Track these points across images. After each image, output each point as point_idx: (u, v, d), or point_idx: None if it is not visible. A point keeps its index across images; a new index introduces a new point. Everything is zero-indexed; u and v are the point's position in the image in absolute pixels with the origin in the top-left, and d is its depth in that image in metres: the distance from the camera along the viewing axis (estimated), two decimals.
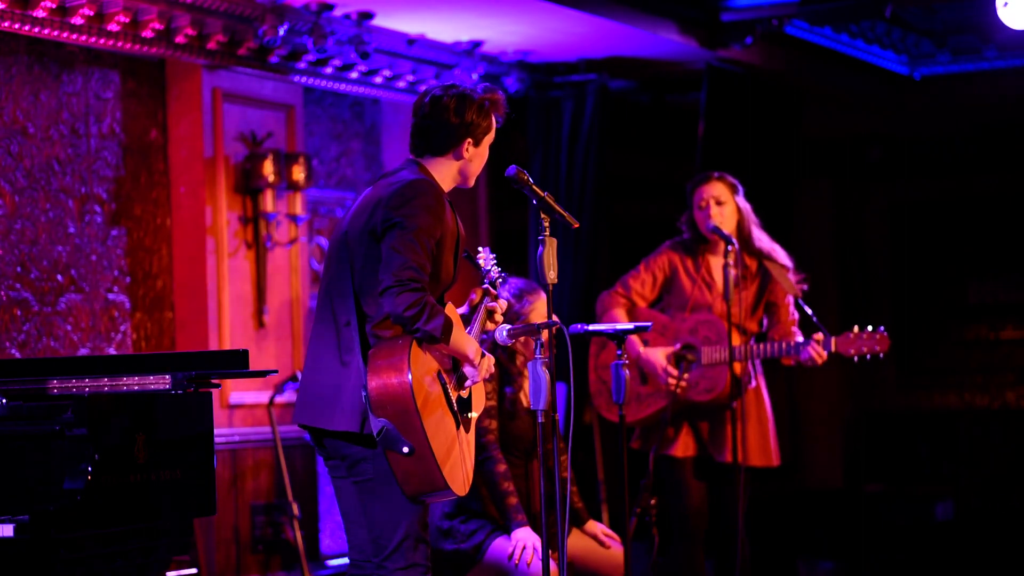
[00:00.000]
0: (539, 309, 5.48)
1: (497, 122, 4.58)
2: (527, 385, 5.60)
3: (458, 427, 4.44)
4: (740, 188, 6.37)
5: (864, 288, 11.63)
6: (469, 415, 4.54)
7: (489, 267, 4.75)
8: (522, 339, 5.38)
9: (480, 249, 4.82)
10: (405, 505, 4.35)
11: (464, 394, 4.51)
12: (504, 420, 5.52)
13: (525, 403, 5.57)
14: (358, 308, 4.36)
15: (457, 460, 4.38)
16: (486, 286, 4.69)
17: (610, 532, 5.67)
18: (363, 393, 4.27)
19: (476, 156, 4.55)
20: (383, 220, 4.32)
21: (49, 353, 6.72)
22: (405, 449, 4.23)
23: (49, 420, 4.32)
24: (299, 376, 7.34)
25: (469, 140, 4.51)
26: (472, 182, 4.60)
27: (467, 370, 4.46)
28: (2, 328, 6.58)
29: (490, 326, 4.64)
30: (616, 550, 5.61)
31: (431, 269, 4.32)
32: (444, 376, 4.43)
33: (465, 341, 4.41)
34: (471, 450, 4.53)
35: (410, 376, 4.23)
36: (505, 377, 5.56)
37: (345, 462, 4.41)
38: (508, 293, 5.51)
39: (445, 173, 4.52)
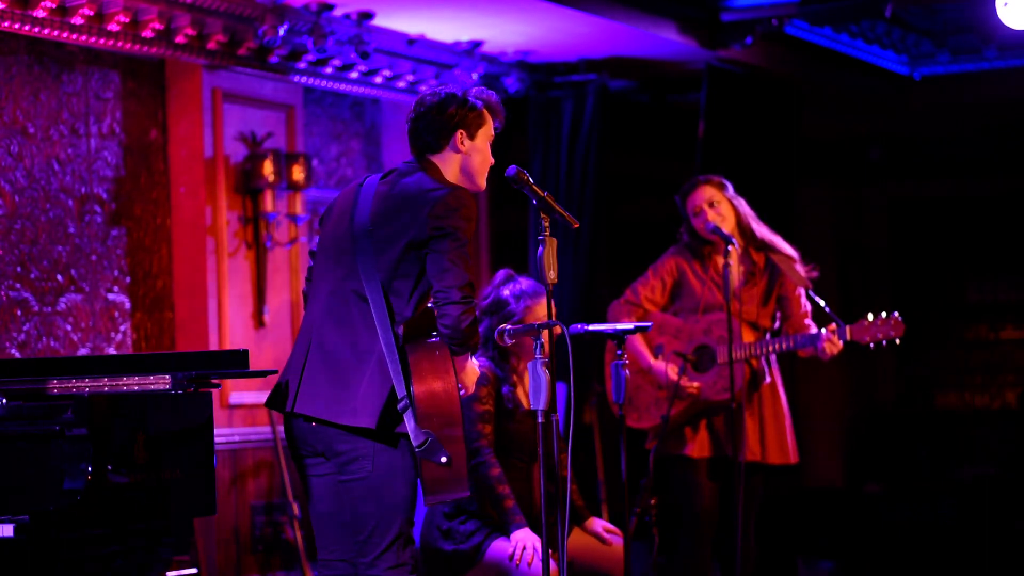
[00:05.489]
0: (537, 313, 5.47)
1: (494, 119, 4.56)
2: (526, 384, 5.63)
3: None
4: (729, 185, 6.34)
5: (864, 288, 11.63)
6: None
7: None
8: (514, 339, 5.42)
9: None
10: (399, 504, 4.34)
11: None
12: (503, 421, 5.51)
13: (525, 404, 5.57)
14: (389, 307, 4.35)
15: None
16: None
17: (611, 527, 5.66)
18: (402, 397, 4.27)
19: (474, 150, 4.52)
20: (431, 228, 4.31)
21: (49, 353, 6.72)
22: (444, 459, 4.26)
23: (49, 420, 4.32)
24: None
25: (461, 132, 4.49)
26: (479, 182, 4.56)
27: (467, 381, 4.49)
28: (2, 328, 6.58)
29: None
30: (617, 546, 5.60)
31: None
32: None
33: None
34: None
35: (457, 384, 4.31)
36: (500, 379, 5.55)
37: (336, 459, 4.39)
38: (508, 291, 5.51)
39: (449, 171, 4.51)
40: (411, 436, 4.26)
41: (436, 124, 4.48)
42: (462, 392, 4.47)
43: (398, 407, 4.27)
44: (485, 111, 4.53)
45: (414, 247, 4.33)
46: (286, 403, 4.45)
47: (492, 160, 4.59)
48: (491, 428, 5.46)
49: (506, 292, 5.50)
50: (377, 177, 4.53)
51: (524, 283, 5.56)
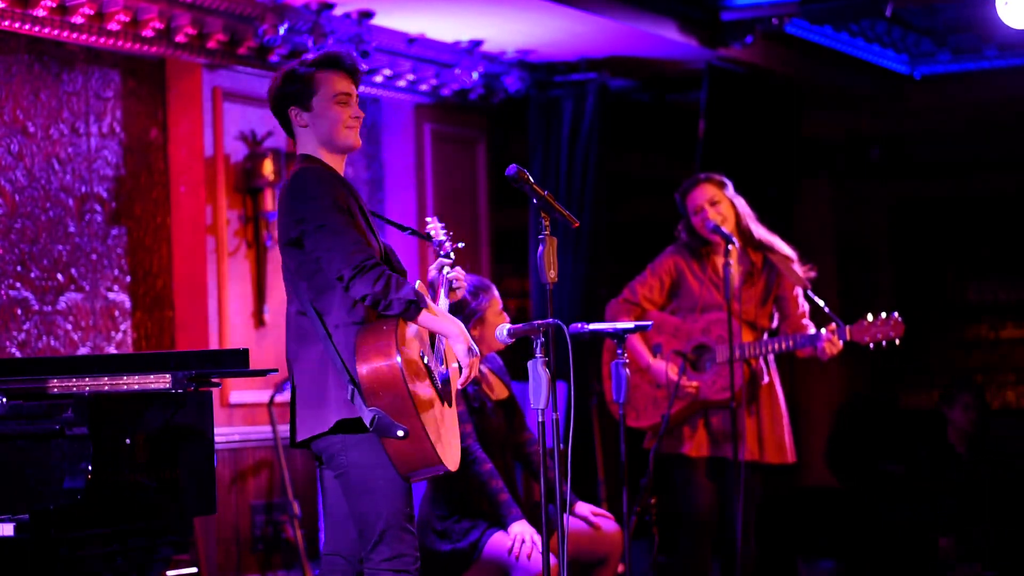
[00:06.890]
0: (495, 307, 5.52)
1: (339, 76, 4.39)
2: (489, 379, 5.65)
3: (442, 403, 4.45)
4: (729, 184, 6.34)
5: (864, 288, 11.63)
6: (450, 389, 4.55)
7: (441, 237, 4.69)
8: (476, 333, 5.42)
9: (428, 219, 4.80)
10: (385, 495, 4.32)
11: (444, 369, 4.52)
12: (473, 420, 5.52)
13: (492, 396, 5.60)
14: (319, 316, 4.35)
15: (447, 436, 4.41)
16: (442, 258, 4.65)
17: (599, 510, 5.67)
18: (347, 382, 4.25)
19: (316, 119, 4.41)
20: (292, 229, 4.31)
21: (49, 352, 6.72)
22: (400, 433, 4.23)
23: (49, 419, 4.33)
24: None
25: (294, 109, 4.42)
26: (342, 141, 4.41)
27: (455, 346, 4.38)
28: (2, 327, 6.58)
29: (454, 296, 4.62)
30: (608, 528, 5.61)
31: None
32: (426, 353, 4.44)
33: (440, 312, 4.38)
34: (456, 425, 4.54)
35: (399, 359, 4.23)
36: None
37: (324, 459, 4.42)
38: (464, 291, 5.51)
39: (314, 148, 4.45)
40: (363, 417, 4.24)
41: (275, 109, 4.47)
42: (470, 357, 4.34)
43: (346, 396, 4.27)
44: (317, 74, 4.39)
45: (297, 245, 4.33)
46: (292, 439, 4.48)
47: (351, 115, 4.41)
48: (471, 427, 5.47)
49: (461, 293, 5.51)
50: None
51: (470, 279, 5.57)
